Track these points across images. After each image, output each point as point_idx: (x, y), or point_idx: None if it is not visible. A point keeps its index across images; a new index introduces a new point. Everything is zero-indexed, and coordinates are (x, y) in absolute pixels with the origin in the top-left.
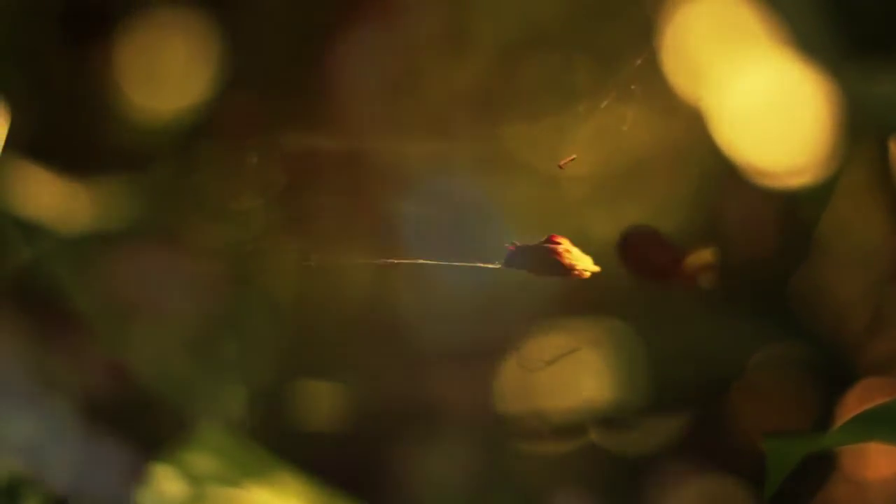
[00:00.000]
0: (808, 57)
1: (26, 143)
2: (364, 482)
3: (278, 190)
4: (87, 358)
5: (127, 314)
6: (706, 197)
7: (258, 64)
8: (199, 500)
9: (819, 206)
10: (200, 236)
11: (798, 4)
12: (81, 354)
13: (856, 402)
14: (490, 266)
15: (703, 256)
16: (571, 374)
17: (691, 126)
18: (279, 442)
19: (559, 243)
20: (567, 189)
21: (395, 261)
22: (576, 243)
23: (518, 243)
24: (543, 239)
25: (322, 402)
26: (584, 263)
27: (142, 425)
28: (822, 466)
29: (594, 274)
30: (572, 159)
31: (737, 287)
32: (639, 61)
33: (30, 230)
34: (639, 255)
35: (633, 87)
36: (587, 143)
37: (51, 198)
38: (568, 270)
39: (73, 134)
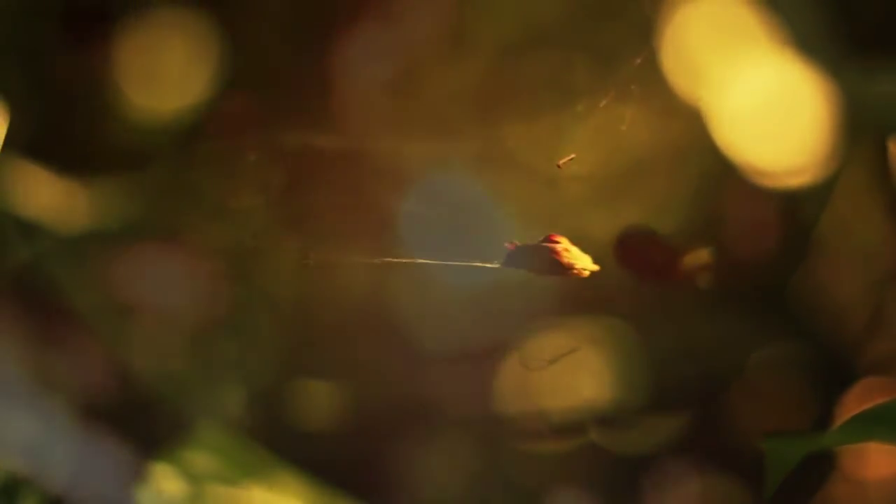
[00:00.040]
0: (808, 57)
1: (25, 143)
2: (363, 482)
3: (278, 189)
4: (86, 357)
5: (126, 314)
6: (705, 197)
7: (257, 63)
8: (198, 499)
9: (818, 206)
10: (199, 236)
11: (797, 4)
12: (80, 354)
13: (855, 402)
14: (490, 265)
15: (700, 256)
16: (571, 374)
17: (690, 126)
18: (278, 441)
19: (558, 242)
20: (566, 188)
21: (395, 260)
22: (575, 242)
23: (517, 243)
24: (543, 238)
25: (321, 401)
26: (583, 262)
27: (141, 425)
28: (821, 466)
29: (594, 273)
30: (571, 159)
31: (736, 287)
32: (638, 61)
33: (29, 230)
34: (636, 255)
35: (632, 86)
36: (586, 143)
37: (50, 197)
38: (567, 269)
39: (72, 133)
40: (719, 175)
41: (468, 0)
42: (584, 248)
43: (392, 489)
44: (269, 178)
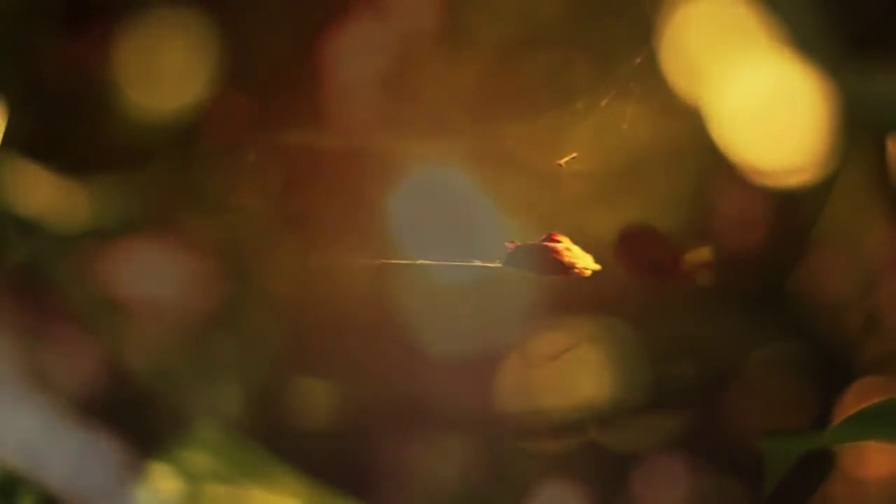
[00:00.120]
0: (807, 56)
1: (24, 141)
2: (361, 481)
3: (276, 188)
4: (84, 356)
5: (124, 312)
6: (705, 195)
7: (256, 62)
8: (195, 497)
9: (817, 206)
10: (198, 234)
11: (797, 4)
12: (78, 352)
13: (853, 402)
14: (490, 265)
15: (701, 255)
16: (570, 372)
17: (690, 125)
18: (276, 441)
19: (559, 242)
20: (567, 187)
21: (395, 261)
22: (576, 241)
23: (518, 242)
24: (543, 238)
25: (319, 400)
26: (584, 262)
27: (139, 423)
28: (820, 465)
29: (594, 272)
30: (572, 157)
31: (735, 286)
32: (638, 60)
33: (27, 227)
34: (636, 252)
35: (632, 85)
36: (587, 142)
37: (48, 195)
38: (568, 269)
39: (70, 131)
40: (719, 174)
41: (469, 0)
42: (585, 247)
43: (390, 488)
44: (268, 178)
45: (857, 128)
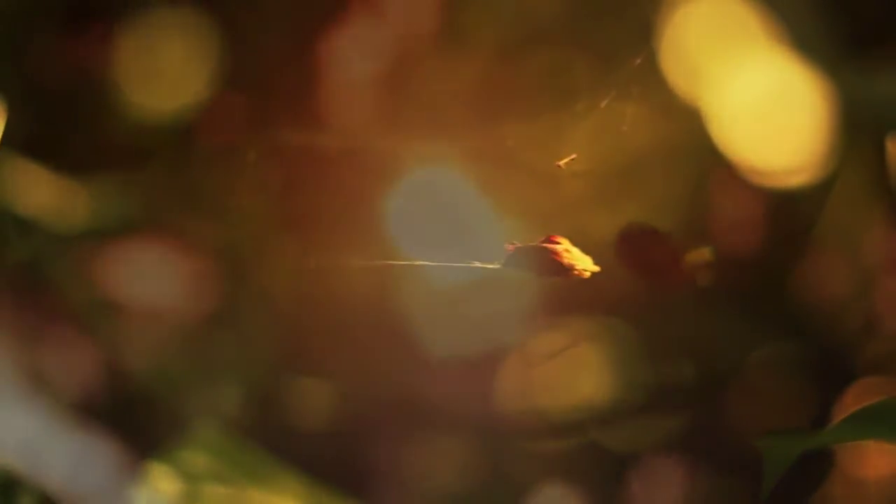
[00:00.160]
0: (807, 56)
1: (23, 141)
2: (361, 481)
3: (276, 188)
4: (83, 356)
5: (123, 312)
6: (705, 196)
7: (256, 62)
8: (194, 498)
9: (817, 206)
10: (197, 234)
11: (796, 4)
12: (77, 352)
13: (853, 402)
14: (490, 266)
15: (701, 255)
16: (570, 372)
17: (690, 125)
18: (275, 441)
19: (559, 243)
20: (567, 188)
21: (395, 262)
22: (575, 243)
23: (518, 243)
24: (543, 239)
25: (318, 400)
26: (583, 263)
27: (138, 424)
28: (820, 464)
29: (594, 273)
30: (572, 158)
31: (734, 286)
32: (638, 61)
33: (26, 227)
34: (636, 252)
35: (632, 86)
36: (587, 142)
37: (47, 195)
38: (567, 270)
39: (70, 131)
40: (718, 174)
41: (469, 0)
42: (585, 248)
43: (390, 489)
44: (268, 178)
45: (856, 128)
